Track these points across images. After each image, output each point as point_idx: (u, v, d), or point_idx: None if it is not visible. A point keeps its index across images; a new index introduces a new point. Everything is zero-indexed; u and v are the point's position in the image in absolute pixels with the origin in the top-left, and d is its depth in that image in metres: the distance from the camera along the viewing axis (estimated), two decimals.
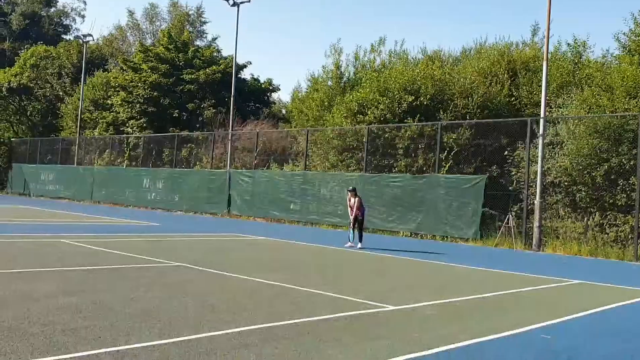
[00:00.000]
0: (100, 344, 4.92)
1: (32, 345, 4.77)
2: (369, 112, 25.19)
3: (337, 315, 6.73)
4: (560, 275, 12.11)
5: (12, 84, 46.27)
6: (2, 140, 48.87)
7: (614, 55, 25.23)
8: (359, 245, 15.61)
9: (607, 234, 18.29)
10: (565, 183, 19.45)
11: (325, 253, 14.13)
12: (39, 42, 54.18)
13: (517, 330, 6.50)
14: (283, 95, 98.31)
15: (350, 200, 16.15)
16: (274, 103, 47.72)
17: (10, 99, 47.51)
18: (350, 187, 16.72)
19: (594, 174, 18.64)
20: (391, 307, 7.40)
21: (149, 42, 54.29)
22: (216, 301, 7.13)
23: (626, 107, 19.09)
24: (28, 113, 48.92)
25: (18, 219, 19.83)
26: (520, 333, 6.38)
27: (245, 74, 42.87)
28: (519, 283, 10.59)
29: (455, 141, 22.27)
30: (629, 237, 17.82)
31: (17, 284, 7.47)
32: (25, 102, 48.23)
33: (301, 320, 6.35)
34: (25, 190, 42.44)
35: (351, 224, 16.12)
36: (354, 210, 15.86)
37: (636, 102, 19.01)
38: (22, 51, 53.96)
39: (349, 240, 15.96)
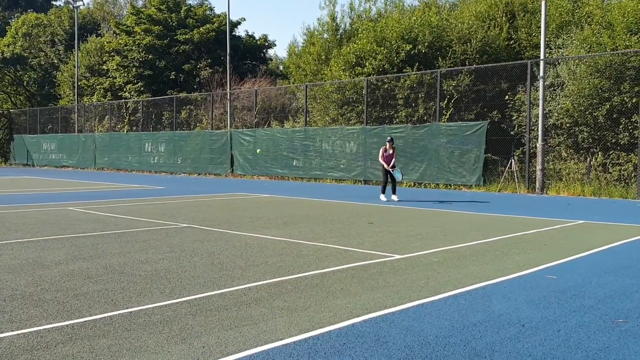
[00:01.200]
0: (113, 307, 5.01)
1: (46, 311, 4.86)
2: (367, 64, 24.94)
3: (344, 266, 6.82)
4: (564, 217, 12.19)
5: (5, 55, 45.82)
6: (1, 112, 48.70)
7: None
8: (383, 197, 15.60)
9: (610, 173, 18.33)
10: (567, 124, 19.38)
11: (329, 207, 14.21)
12: (29, 10, 53.40)
13: (522, 272, 6.59)
14: (279, 51, 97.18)
15: (387, 151, 15.66)
16: (271, 60, 47.23)
17: (5, 69, 47.13)
18: (389, 137, 16.22)
19: (595, 114, 18.55)
20: (397, 256, 7.49)
21: (140, 3, 53.39)
22: (225, 259, 7.22)
23: (627, 44, 18.83)
24: (25, 83, 48.61)
25: (24, 189, 19.94)
26: (526, 275, 6.47)
27: (240, 31, 42.41)
28: (523, 226, 10.67)
29: (455, 88, 22.11)
30: (632, 175, 17.86)
31: (27, 252, 7.56)
32: (20, 72, 47.87)
33: (309, 273, 6.44)
34: (28, 161, 42.58)
35: (390, 176, 15.71)
36: (393, 160, 15.60)
37: (637, 39, 18.75)
38: (13, 20, 53.21)
39: (394, 194, 15.66)
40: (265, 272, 6.47)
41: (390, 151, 15.68)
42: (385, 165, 15.63)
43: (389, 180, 15.82)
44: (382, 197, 15.66)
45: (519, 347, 4.10)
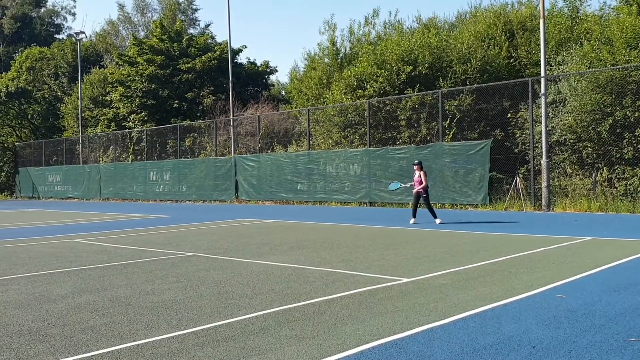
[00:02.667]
0: (120, 340, 4.98)
1: (53, 347, 4.83)
2: (368, 86, 25.09)
3: (352, 292, 6.77)
4: (572, 234, 12.12)
5: (10, 89, 46.28)
6: (6, 145, 49.02)
7: (612, 7, 24.98)
8: (438, 220, 15.02)
9: (616, 188, 18.26)
10: (571, 141, 19.37)
11: (335, 230, 14.17)
12: (32, 44, 54.07)
13: (531, 292, 6.53)
14: (281, 77, 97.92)
15: (415, 174, 15.48)
16: (273, 85, 47.55)
17: (9, 103, 47.58)
18: (416, 160, 16.01)
19: (599, 129, 18.54)
20: (405, 280, 7.43)
21: (142, 34, 54.10)
22: (231, 288, 7.18)
23: (627, 58, 18.90)
24: (29, 116, 49.02)
25: (30, 222, 19.97)
26: (535, 294, 6.40)
27: (242, 58, 42.71)
28: (531, 245, 10.60)
29: (457, 108, 22.18)
30: (639, 189, 17.77)
31: (34, 286, 7.54)
32: (25, 106, 48.30)
33: (316, 300, 6.39)
34: (34, 194, 42.73)
35: (414, 200, 15.59)
36: (417, 184, 15.27)
37: (637, 53, 18.83)
38: (17, 55, 53.84)
39: (413, 217, 15.40)
40: (272, 300, 6.43)
41: (416, 175, 15.43)
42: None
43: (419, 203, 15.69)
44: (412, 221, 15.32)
45: None
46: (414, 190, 15.52)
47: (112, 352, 4.66)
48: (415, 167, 15.56)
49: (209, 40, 42.00)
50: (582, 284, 6.98)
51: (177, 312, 5.95)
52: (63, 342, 4.97)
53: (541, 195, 19.06)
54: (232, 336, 5.03)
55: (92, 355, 4.57)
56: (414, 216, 15.50)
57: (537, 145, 19.64)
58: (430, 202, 15.77)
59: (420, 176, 15.29)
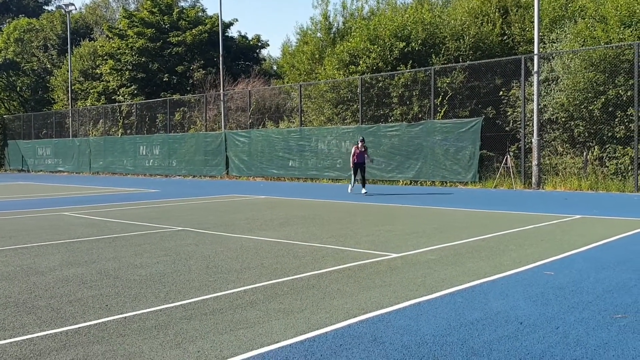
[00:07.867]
0: (108, 312, 4.95)
1: (40, 319, 4.80)
2: (360, 62, 24.91)
3: (341, 267, 6.77)
4: (562, 212, 12.17)
5: None
6: None
7: None
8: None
9: (607, 167, 18.33)
10: (563, 119, 19.36)
11: (326, 207, 14.16)
12: (20, 15, 53.18)
13: (519, 268, 6.55)
14: (273, 51, 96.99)
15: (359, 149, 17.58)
16: (264, 60, 47.14)
17: None
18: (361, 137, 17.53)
19: (591, 107, 18.53)
20: (394, 255, 7.44)
21: (132, 7, 53.35)
22: (220, 262, 7.16)
23: (621, 37, 18.81)
24: (18, 89, 48.42)
25: (19, 195, 19.84)
26: (523, 271, 6.43)
27: (233, 32, 42.29)
28: (520, 222, 10.64)
29: (449, 85, 22.08)
30: (629, 168, 17.86)
31: (21, 259, 7.49)
32: (13, 78, 47.67)
33: (305, 274, 6.39)
34: (23, 167, 42.45)
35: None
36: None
37: (631, 32, 18.73)
38: (4, 25, 52.97)
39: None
40: (261, 274, 6.42)
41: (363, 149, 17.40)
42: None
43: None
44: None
45: (517, 345, 4.05)
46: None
47: (99, 324, 4.63)
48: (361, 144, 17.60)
49: (200, 14, 41.48)
50: (570, 261, 7.02)
51: (165, 285, 5.93)
52: (50, 314, 4.94)
53: (531, 173, 19.10)
54: (220, 309, 5.02)
55: (79, 327, 4.55)
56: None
57: (528, 123, 19.63)
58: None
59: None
